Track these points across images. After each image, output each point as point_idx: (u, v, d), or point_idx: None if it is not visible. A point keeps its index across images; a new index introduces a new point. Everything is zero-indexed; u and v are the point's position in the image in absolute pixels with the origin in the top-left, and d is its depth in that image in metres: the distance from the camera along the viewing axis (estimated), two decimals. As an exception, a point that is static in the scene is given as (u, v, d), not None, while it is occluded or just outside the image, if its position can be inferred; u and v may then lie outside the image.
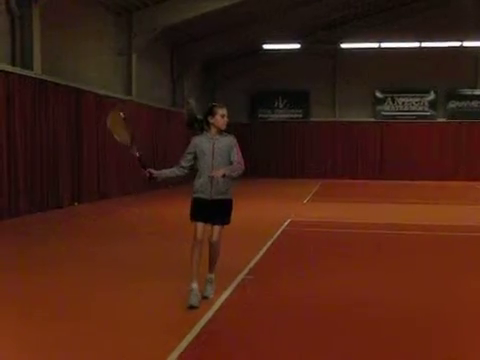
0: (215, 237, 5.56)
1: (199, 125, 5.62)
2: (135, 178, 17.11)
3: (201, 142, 5.56)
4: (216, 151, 5.49)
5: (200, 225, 5.51)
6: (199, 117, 5.63)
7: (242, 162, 5.53)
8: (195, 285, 5.43)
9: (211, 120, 5.55)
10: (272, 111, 29.87)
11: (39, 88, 13.39)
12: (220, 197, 5.52)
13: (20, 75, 12.70)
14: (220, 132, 5.59)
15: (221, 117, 5.54)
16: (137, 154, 5.52)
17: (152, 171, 5.58)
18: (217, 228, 5.57)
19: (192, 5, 18.55)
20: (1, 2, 12.76)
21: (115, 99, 17.46)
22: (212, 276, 5.77)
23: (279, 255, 8.29)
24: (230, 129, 5.72)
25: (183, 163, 5.64)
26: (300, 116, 29.63)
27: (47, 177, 13.71)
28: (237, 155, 5.53)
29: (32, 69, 13.21)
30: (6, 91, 12.23)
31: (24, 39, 13.21)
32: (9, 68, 12.51)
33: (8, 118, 12.30)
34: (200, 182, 5.53)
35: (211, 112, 5.55)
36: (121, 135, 5.58)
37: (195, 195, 5.57)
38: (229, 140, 5.58)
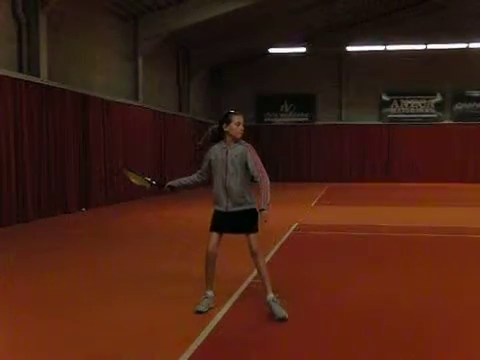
0: (254, 246, 5.25)
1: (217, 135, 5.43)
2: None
3: (216, 151, 5.38)
4: (229, 161, 5.28)
5: (214, 237, 5.34)
6: (214, 129, 5.43)
7: (263, 170, 5.24)
8: (210, 293, 5.38)
9: (226, 128, 5.32)
10: (278, 115, 29.89)
11: (46, 94, 13.46)
12: (238, 209, 5.29)
13: (27, 81, 12.76)
14: (236, 141, 5.36)
15: (236, 125, 5.32)
16: (154, 182, 5.72)
17: (171, 184, 5.66)
18: (251, 236, 5.29)
19: (198, 10, 18.64)
20: (8, 9, 12.84)
21: (122, 104, 17.54)
22: (271, 296, 5.19)
23: (287, 259, 8.27)
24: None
25: (200, 171, 5.59)
26: (306, 119, 29.64)
27: (55, 183, 13.77)
28: (255, 165, 5.21)
29: (39, 75, 13.29)
30: (13, 97, 12.30)
31: (31, 45, 13.31)
32: (16, 74, 12.59)
33: (15, 124, 12.36)
34: (215, 193, 5.37)
35: (226, 120, 5.33)
36: (142, 182, 5.81)
37: (214, 207, 5.44)
38: (242, 148, 5.29)
